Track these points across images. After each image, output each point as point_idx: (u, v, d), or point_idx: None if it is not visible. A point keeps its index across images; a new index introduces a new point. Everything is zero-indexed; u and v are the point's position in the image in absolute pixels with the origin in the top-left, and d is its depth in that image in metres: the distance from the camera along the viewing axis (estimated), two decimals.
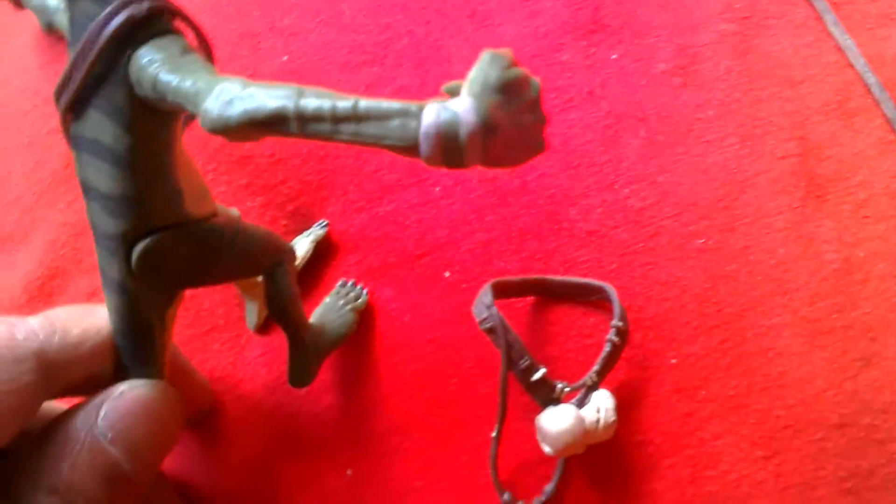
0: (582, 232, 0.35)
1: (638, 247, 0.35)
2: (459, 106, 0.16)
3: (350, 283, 0.33)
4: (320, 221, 0.34)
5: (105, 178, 0.20)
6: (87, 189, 0.22)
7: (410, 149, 0.16)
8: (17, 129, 0.39)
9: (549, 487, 0.31)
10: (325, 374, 0.34)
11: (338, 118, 0.17)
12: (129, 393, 0.23)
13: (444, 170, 0.19)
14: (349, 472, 0.32)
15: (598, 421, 0.30)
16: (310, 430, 0.33)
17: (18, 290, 0.36)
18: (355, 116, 0.16)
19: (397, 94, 0.38)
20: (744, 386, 0.33)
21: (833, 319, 0.34)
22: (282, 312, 0.27)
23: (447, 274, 0.35)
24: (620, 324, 0.31)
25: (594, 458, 0.31)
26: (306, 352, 0.28)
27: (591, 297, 0.34)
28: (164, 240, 0.21)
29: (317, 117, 0.17)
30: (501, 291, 0.32)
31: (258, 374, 0.34)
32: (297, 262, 0.32)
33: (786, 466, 0.32)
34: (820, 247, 0.35)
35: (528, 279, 0.34)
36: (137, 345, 0.24)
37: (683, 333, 0.34)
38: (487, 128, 0.16)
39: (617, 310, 0.32)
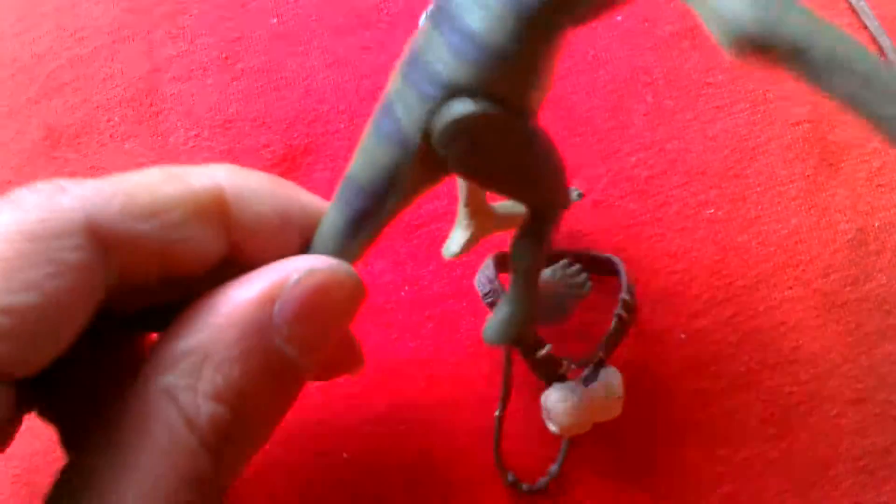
0: (587, 202, 0.34)
1: (645, 217, 0.34)
2: None
3: (575, 267, 0.29)
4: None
5: (483, 17, 0.17)
6: (447, 14, 0.18)
7: None
8: None
9: (554, 468, 0.30)
10: None
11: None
12: (307, 281, 0.19)
13: None
14: (345, 455, 0.31)
15: (605, 398, 0.29)
16: (301, 412, 0.31)
17: None
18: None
19: (392, 60, 0.37)
20: (755, 361, 0.32)
21: (847, 292, 0.33)
22: (522, 265, 0.22)
23: None
24: (627, 297, 0.30)
25: (601, 436, 0.30)
26: (518, 308, 0.23)
27: (598, 270, 0.32)
28: (484, 117, 0.17)
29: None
30: (504, 264, 0.31)
31: None
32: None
33: (799, 444, 0.31)
34: (833, 216, 0.34)
35: None
36: (367, 210, 0.20)
37: (693, 307, 0.33)
38: None
39: (624, 283, 0.31)
